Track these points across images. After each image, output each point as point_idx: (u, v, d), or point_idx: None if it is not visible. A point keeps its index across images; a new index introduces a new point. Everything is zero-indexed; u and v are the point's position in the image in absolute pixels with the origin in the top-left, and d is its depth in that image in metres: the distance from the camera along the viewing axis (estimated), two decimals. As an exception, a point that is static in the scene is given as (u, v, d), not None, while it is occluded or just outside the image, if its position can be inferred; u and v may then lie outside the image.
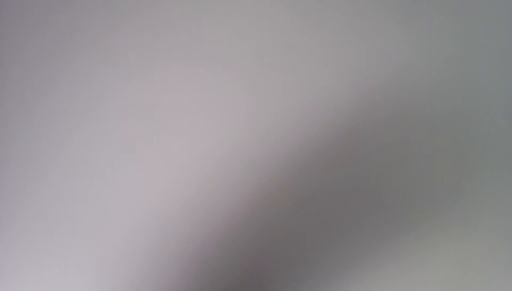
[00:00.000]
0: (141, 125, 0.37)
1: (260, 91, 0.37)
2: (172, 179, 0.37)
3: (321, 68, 0.38)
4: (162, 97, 0.37)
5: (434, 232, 0.36)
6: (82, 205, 0.37)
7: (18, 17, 0.38)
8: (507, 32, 0.38)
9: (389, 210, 0.36)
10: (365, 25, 0.38)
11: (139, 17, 0.38)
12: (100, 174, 0.37)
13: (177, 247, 0.36)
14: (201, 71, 0.38)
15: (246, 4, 0.38)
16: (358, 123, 0.37)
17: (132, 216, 0.36)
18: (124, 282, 0.36)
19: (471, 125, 0.37)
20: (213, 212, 0.36)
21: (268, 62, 0.38)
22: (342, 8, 0.38)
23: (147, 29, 0.38)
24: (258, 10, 0.38)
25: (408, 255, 0.36)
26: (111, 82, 0.37)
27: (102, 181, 0.37)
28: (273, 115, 0.37)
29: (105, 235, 0.36)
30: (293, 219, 0.36)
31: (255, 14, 0.38)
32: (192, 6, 0.38)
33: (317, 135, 0.37)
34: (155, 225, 0.36)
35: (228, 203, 0.37)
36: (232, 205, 0.36)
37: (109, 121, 0.37)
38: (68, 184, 0.37)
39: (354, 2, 0.38)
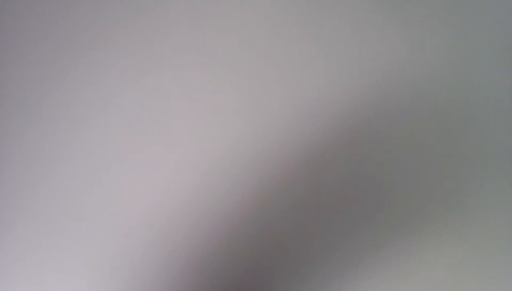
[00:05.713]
0: (140, 127, 0.37)
1: (258, 92, 0.37)
2: (171, 180, 0.37)
3: (319, 68, 0.38)
4: (161, 99, 0.37)
5: (434, 233, 0.36)
6: (82, 206, 0.37)
7: (19, 20, 0.38)
8: (506, 32, 0.38)
9: (389, 211, 0.36)
10: (363, 25, 0.38)
11: (138, 21, 0.38)
12: (100, 176, 0.37)
13: (177, 247, 0.36)
14: (200, 74, 0.38)
15: (243, 6, 0.38)
16: (357, 124, 0.37)
17: (131, 217, 0.37)
18: (124, 283, 0.36)
19: (470, 125, 0.37)
20: (213, 212, 0.37)
21: (265, 64, 0.38)
22: (339, 9, 0.38)
23: (146, 34, 0.38)
24: (256, 11, 0.38)
25: (409, 256, 0.36)
26: (110, 85, 0.38)
27: (101, 182, 0.37)
28: (271, 117, 0.37)
29: (105, 236, 0.36)
30: (292, 220, 0.36)
31: (252, 16, 0.38)
32: (190, 10, 0.38)
33: (317, 135, 0.37)
34: (155, 226, 0.36)
35: (227, 203, 0.37)
36: (231, 205, 0.37)
37: (107, 123, 0.37)
38: (68, 185, 0.37)
39: (352, 2, 0.38)
